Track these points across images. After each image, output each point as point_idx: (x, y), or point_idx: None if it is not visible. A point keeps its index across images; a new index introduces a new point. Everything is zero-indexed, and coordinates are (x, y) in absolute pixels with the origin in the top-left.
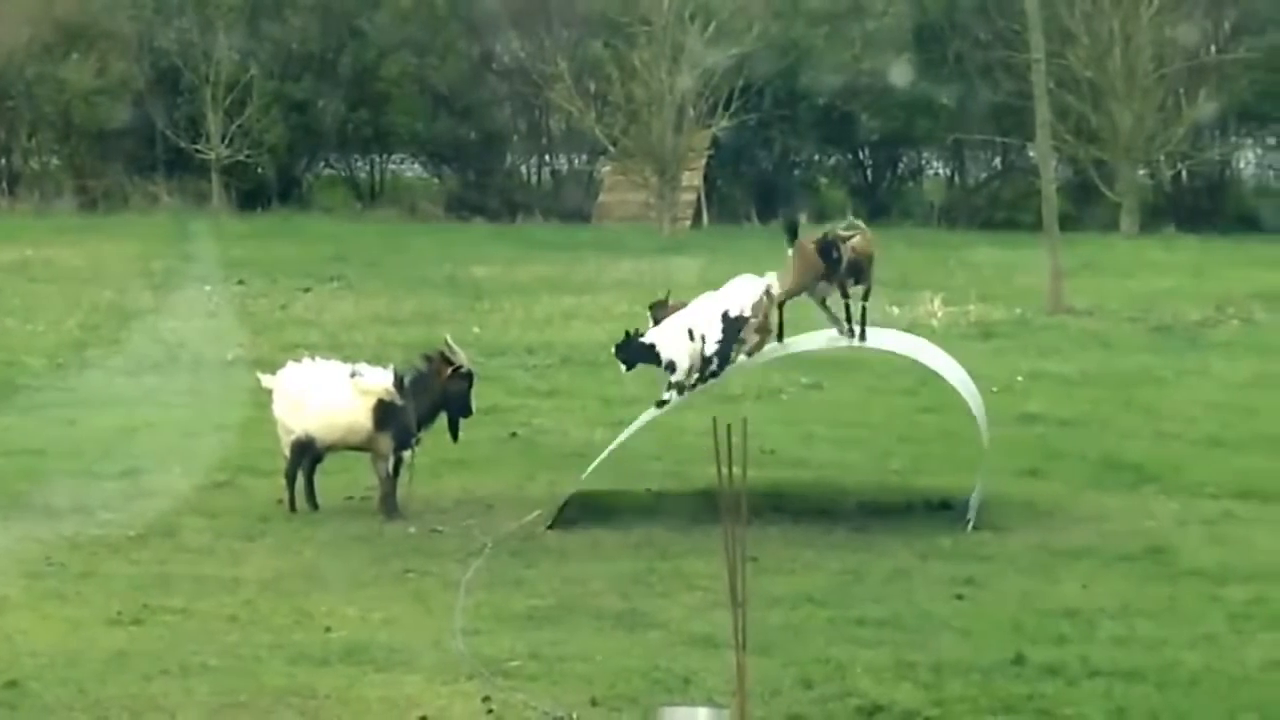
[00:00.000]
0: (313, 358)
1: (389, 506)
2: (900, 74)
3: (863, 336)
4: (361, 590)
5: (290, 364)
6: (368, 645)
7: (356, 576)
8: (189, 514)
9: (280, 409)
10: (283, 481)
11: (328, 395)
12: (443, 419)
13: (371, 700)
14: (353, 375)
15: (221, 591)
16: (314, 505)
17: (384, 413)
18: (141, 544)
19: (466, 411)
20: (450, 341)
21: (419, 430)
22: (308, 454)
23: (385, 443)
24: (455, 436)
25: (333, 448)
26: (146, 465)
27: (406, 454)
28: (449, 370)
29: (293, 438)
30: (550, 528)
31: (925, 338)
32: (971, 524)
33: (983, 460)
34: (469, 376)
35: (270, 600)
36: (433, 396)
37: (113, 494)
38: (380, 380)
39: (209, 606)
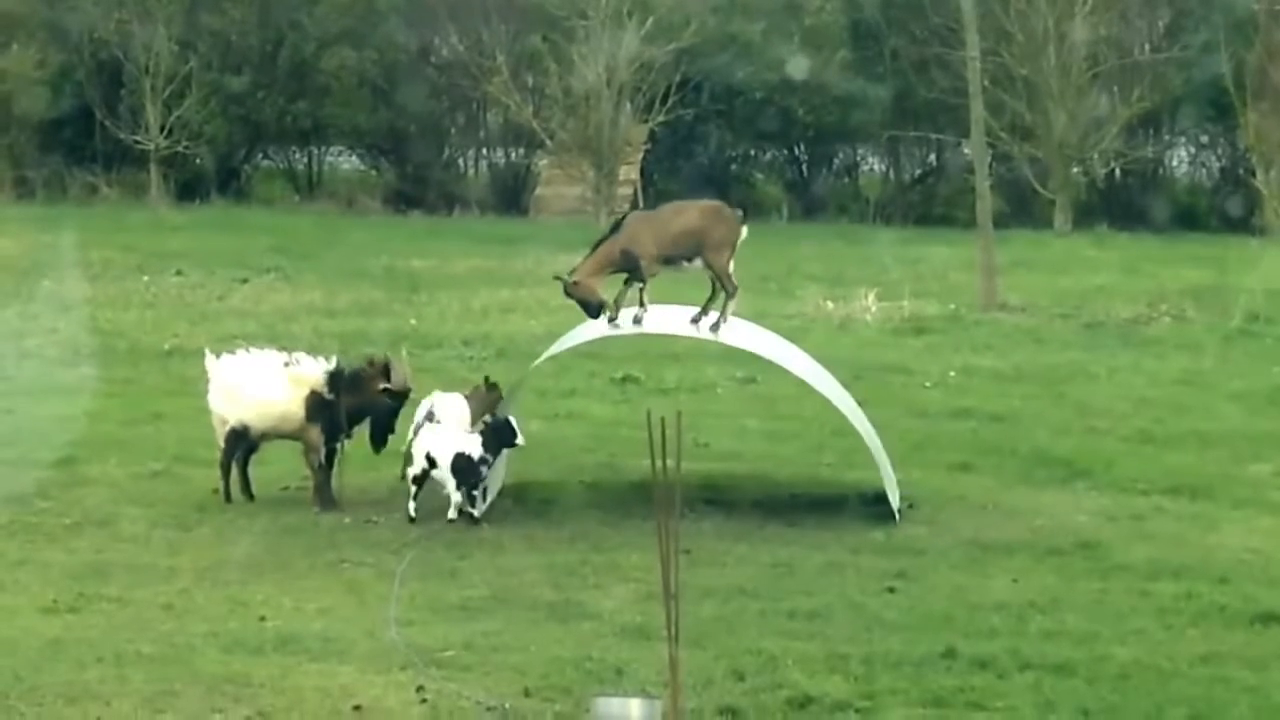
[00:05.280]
0: (246, 349)
1: (323, 498)
2: (837, 70)
3: (714, 329)
4: (296, 580)
5: (225, 356)
6: (302, 635)
7: (291, 566)
8: (125, 503)
9: (215, 399)
10: (218, 471)
11: (262, 385)
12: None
13: (306, 689)
14: (286, 365)
15: (157, 580)
16: (249, 495)
17: (315, 404)
18: (78, 532)
19: (388, 430)
20: (396, 359)
21: (350, 427)
22: (242, 443)
23: (315, 434)
24: (376, 448)
25: (266, 436)
26: (83, 454)
27: (339, 445)
28: (381, 384)
29: (227, 427)
30: (484, 519)
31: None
32: (900, 516)
33: (875, 452)
34: (399, 397)
35: (205, 589)
36: (362, 399)
37: (49, 482)
38: (313, 371)
39: (145, 595)
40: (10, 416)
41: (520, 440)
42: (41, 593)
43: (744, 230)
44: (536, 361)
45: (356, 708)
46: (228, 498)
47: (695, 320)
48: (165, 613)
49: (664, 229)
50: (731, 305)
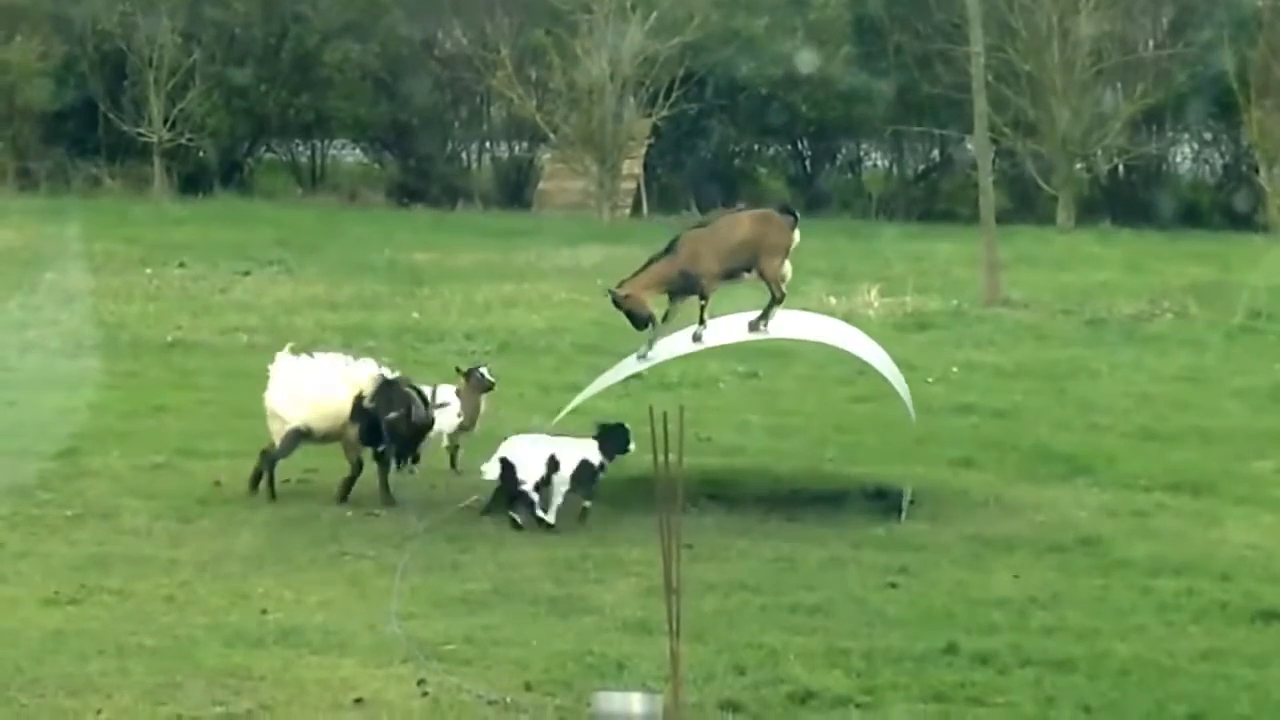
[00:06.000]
0: (310, 354)
1: (343, 494)
2: (840, 65)
3: (756, 326)
4: (298, 573)
5: (290, 356)
6: (304, 628)
7: (293, 559)
8: (127, 495)
9: (279, 400)
10: (221, 462)
11: (325, 387)
12: None
13: (307, 682)
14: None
15: (159, 573)
16: (255, 488)
17: (356, 407)
18: (79, 524)
19: (409, 452)
20: (421, 389)
21: (394, 440)
22: (300, 444)
23: (353, 433)
24: (399, 464)
25: (328, 438)
26: (85, 446)
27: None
28: (404, 410)
29: (289, 427)
30: (486, 513)
31: (861, 328)
32: (904, 516)
33: (912, 452)
34: (418, 426)
35: (207, 582)
36: (395, 410)
37: (51, 474)
38: (364, 375)
39: (146, 587)
40: (12, 408)
41: (633, 446)
42: (43, 584)
43: (796, 235)
44: (570, 406)
45: (358, 701)
46: (273, 494)
47: (754, 326)
48: (167, 605)
49: (723, 244)
50: (775, 310)
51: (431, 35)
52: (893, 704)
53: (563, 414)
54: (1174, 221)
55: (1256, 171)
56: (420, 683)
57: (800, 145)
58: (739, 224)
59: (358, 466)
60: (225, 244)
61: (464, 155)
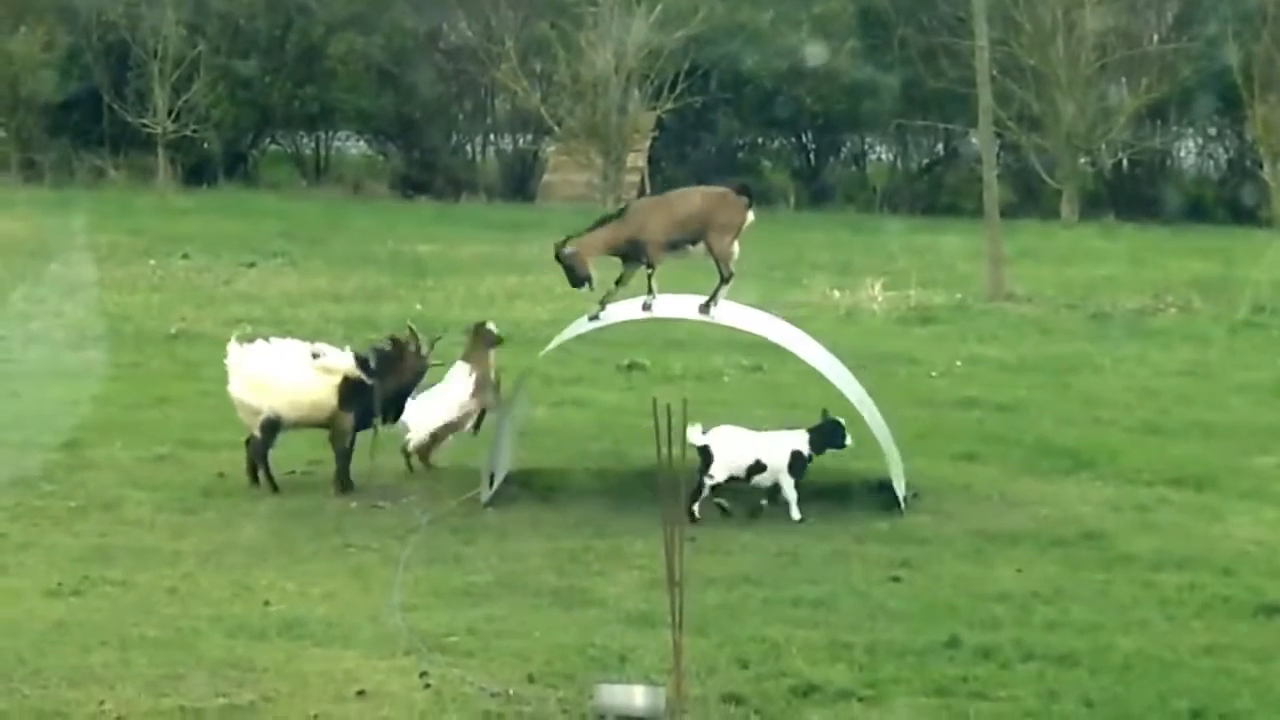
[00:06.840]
0: (266, 339)
1: (343, 483)
2: (845, 59)
3: (703, 309)
4: (301, 565)
5: (246, 344)
6: (306, 620)
7: (296, 551)
8: (130, 486)
9: (238, 388)
10: (224, 454)
11: (290, 374)
12: None
13: (310, 674)
14: (315, 356)
15: (161, 564)
16: (255, 480)
17: (349, 391)
18: (82, 516)
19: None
20: (414, 327)
21: (382, 412)
22: (277, 432)
23: (348, 421)
24: (395, 418)
25: (297, 426)
26: (89, 437)
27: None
28: (418, 356)
29: (261, 417)
30: (489, 505)
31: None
32: (904, 506)
33: (882, 441)
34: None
35: (210, 573)
36: (400, 379)
37: (55, 466)
38: (343, 360)
39: (149, 579)
40: (16, 399)
41: (849, 441)
42: (46, 576)
43: (750, 216)
44: (545, 350)
45: (360, 692)
46: (274, 487)
47: (704, 309)
48: (169, 597)
49: (672, 215)
50: (724, 290)
51: (436, 27)
52: (895, 698)
53: (546, 351)
54: (1178, 216)
55: (1261, 166)
56: (423, 674)
57: (805, 138)
58: (692, 197)
59: (344, 455)
60: (229, 235)
61: (468, 147)
